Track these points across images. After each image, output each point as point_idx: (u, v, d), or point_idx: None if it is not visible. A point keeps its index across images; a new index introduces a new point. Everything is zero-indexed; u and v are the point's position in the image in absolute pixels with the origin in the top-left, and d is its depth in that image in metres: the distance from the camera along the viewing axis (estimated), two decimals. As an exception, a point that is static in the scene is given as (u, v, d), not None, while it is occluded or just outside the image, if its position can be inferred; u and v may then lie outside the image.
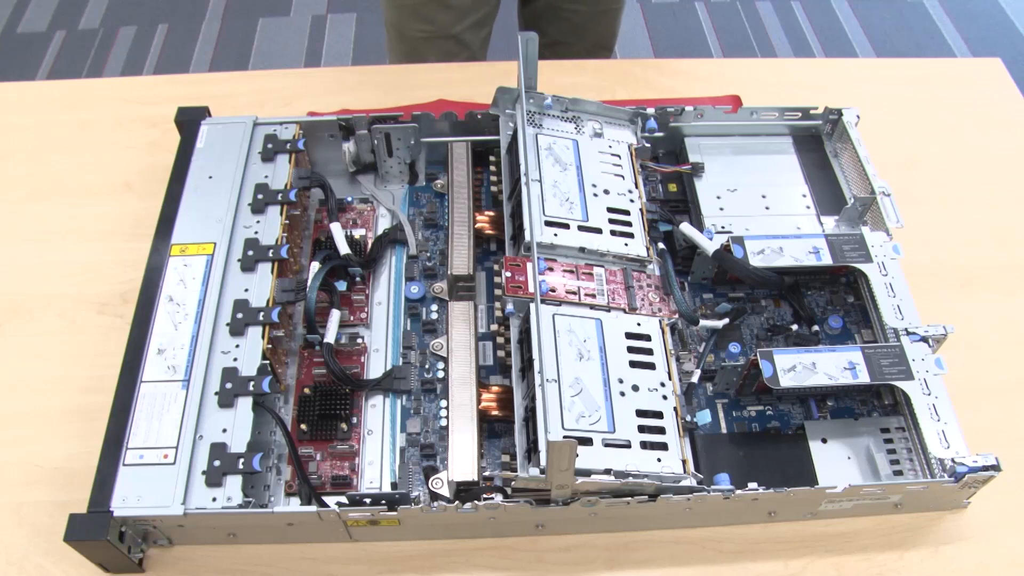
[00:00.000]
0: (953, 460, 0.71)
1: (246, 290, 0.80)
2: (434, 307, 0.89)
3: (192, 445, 0.71)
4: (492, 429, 0.80)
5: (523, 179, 0.81)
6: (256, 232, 0.84)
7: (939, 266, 0.95)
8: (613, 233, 0.84)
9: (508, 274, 0.78)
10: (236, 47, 2.29)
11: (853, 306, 0.89)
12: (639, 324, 0.78)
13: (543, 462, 0.64)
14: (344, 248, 0.87)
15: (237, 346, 0.76)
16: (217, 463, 0.70)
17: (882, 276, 0.82)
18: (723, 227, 0.87)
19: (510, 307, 0.77)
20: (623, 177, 0.89)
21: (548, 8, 1.34)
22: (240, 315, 0.78)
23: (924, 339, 0.78)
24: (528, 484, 0.67)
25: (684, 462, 0.70)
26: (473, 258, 0.86)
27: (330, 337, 0.81)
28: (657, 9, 2.43)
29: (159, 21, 2.36)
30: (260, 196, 0.86)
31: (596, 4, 1.33)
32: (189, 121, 0.93)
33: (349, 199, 0.97)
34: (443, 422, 0.80)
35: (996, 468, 0.71)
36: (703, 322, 0.83)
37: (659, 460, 0.69)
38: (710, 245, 0.84)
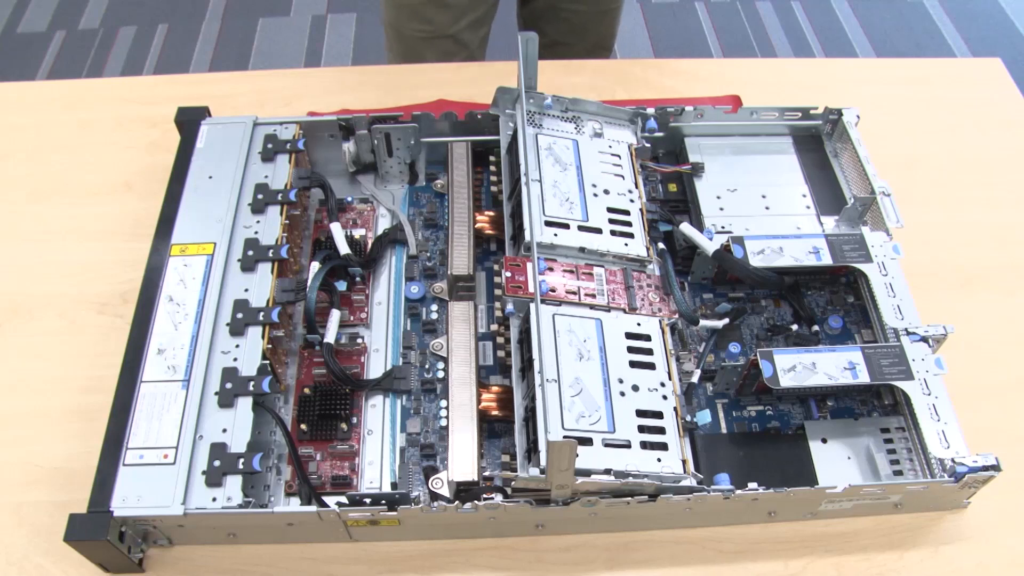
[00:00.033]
0: (953, 460, 0.71)
1: (246, 290, 0.80)
2: (434, 307, 0.89)
3: (192, 445, 0.71)
4: (492, 429, 0.80)
5: (523, 179, 0.81)
6: (256, 232, 0.84)
7: (939, 266, 0.95)
8: (613, 233, 0.84)
9: (508, 274, 0.78)
10: (236, 47, 2.29)
11: (853, 306, 0.89)
12: (639, 324, 0.78)
13: (543, 462, 0.64)
14: (344, 248, 0.87)
15: (237, 346, 0.76)
16: (217, 463, 0.70)
17: (882, 276, 0.82)
18: (723, 227, 0.87)
19: (510, 307, 0.77)
20: (623, 177, 0.89)
21: (547, 8, 1.34)
22: (240, 315, 0.78)
23: (924, 339, 0.78)
24: (528, 484, 0.67)
25: (684, 462, 0.70)
26: (473, 258, 0.86)
27: (330, 337, 0.81)
28: (657, 9, 2.43)
29: (159, 21, 2.36)
30: (260, 196, 0.86)
31: (595, 4, 1.33)
32: (189, 121, 0.93)
33: (349, 199, 0.97)
34: (443, 422, 0.80)
35: (996, 468, 0.71)
36: (703, 322, 0.83)
37: (659, 460, 0.69)
38: (710, 245, 0.84)
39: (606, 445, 0.69)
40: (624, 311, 0.79)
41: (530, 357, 0.73)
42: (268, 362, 0.76)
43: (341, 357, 0.84)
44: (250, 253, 0.82)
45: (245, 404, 0.73)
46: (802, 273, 0.89)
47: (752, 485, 0.70)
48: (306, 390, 0.81)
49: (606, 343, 0.75)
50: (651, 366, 0.75)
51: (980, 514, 0.78)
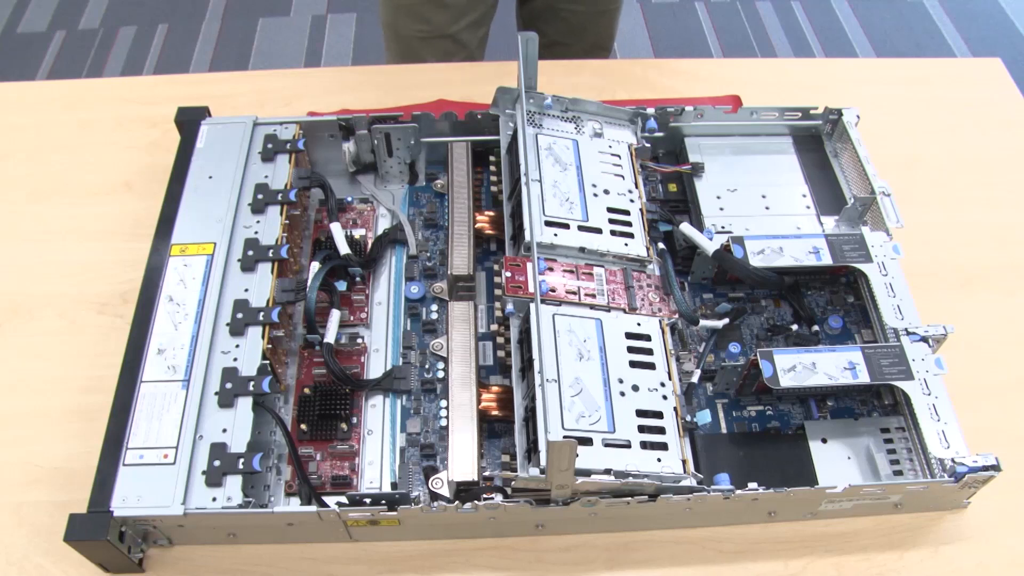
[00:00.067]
0: (953, 460, 0.71)
1: (246, 290, 0.80)
2: (434, 307, 0.89)
3: (192, 445, 0.71)
4: (492, 429, 0.80)
5: (523, 179, 0.81)
6: (256, 232, 0.84)
7: (939, 266, 0.95)
8: (613, 233, 0.84)
9: (508, 274, 0.78)
10: (236, 47, 2.29)
11: (853, 306, 0.89)
12: (639, 324, 0.78)
13: (543, 462, 0.64)
14: (344, 248, 0.87)
15: (237, 346, 0.76)
16: (217, 463, 0.70)
17: (882, 276, 0.82)
18: (723, 227, 0.87)
19: (510, 307, 0.77)
20: (623, 177, 0.89)
21: (546, 8, 1.34)
22: (240, 315, 0.78)
23: (924, 339, 0.78)
24: (528, 484, 0.67)
25: (684, 462, 0.70)
26: (473, 258, 0.86)
27: (330, 337, 0.81)
28: (657, 9, 2.43)
29: (159, 21, 2.36)
30: (260, 196, 0.86)
31: (594, 4, 1.33)
32: (189, 121, 0.93)
33: (349, 199, 0.97)
34: (443, 422, 0.80)
35: (996, 468, 0.71)
36: (703, 322, 0.83)
37: (659, 460, 0.69)
38: (710, 245, 0.84)
39: (606, 445, 0.69)
40: (624, 311, 0.79)
41: (530, 357, 0.73)
42: (268, 362, 0.76)
43: (341, 357, 0.84)
44: (250, 253, 0.82)
45: (245, 404, 0.73)
46: (802, 273, 0.89)
47: (752, 485, 0.70)
48: (306, 390, 0.81)
49: (606, 343, 0.75)
50: (651, 366, 0.75)
51: (980, 514, 0.78)
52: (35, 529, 0.76)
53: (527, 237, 0.79)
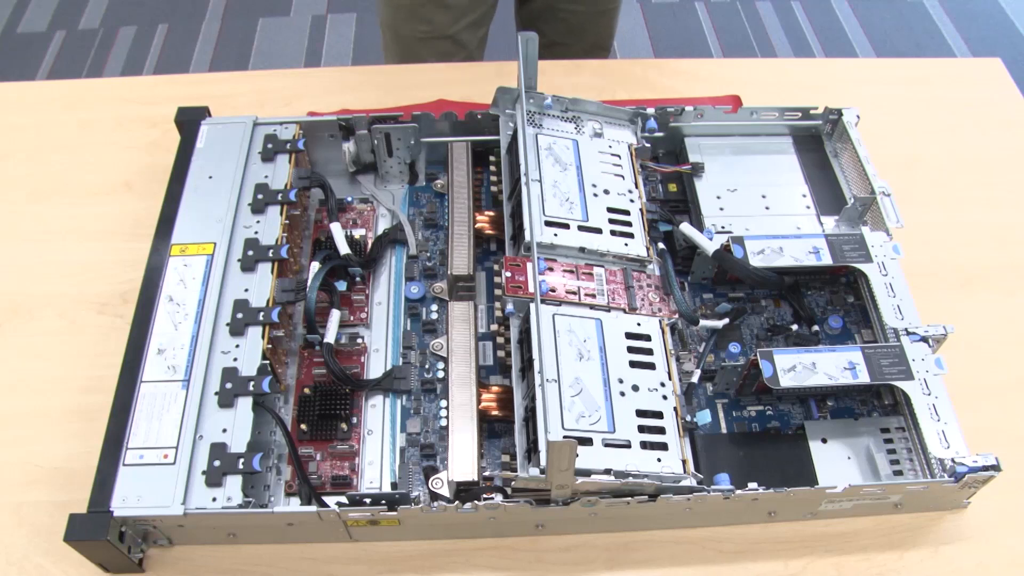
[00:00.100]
0: (953, 460, 0.71)
1: (246, 290, 0.80)
2: (434, 307, 0.89)
3: (192, 445, 0.71)
4: (492, 429, 0.80)
5: (523, 179, 0.81)
6: (256, 232, 0.84)
7: (939, 266, 0.95)
8: (613, 233, 0.84)
9: (508, 274, 0.78)
10: (236, 47, 2.29)
11: (853, 306, 0.89)
12: (639, 324, 0.78)
13: (543, 462, 0.64)
14: (344, 248, 0.87)
15: (237, 346, 0.76)
16: (217, 463, 0.70)
17: (882, 276, 0.82)
18: (723, 227, 0.87)
19: (510, 307, 0.77)
20: (623, 177, 0.89)
21: (546, 9, 1.34)
22: (240, 315, 0.78)
23: (924, 339, 0.78)
24: (528, 484, 0.67)
25: (684, 462, 0.70)
26: (473, 258, 0.86)
27: (330, 337, 0.81)
28: (657, 9, 2.43)
29: (159, 21, 2.36)
30: (260, 196, 0.86)
31: (593, 4, 1.33)
32: (189, 121, 0.93)
33: (349, 199, 0.97)
34: (443, 422, 0.80)
35: (996, 468, 0.71)
36: (703, 322, 0.83)
37: (659, 460, 0.69)
38: (710, 245, 0.84)
39: (606, 445, 0.69)
40: (624, 311, 0.79)
41: (530, 357, 0.73)
42: (268, 362, 0.76)
43: (341, 357, 0.84)
44: (250, 253, 0.82)
45: (245, 404, 0.73)
46: (802, 273, 0.89)
47: (752, 485, 0.70)
48: (306, 390, 0.81)
49: (606, 343, 0.75)
50: (651, 366, 0.75)
51: (980, 514, 0.78)
52: (35, 529, 0.76)
53: (527, 237, 0.79)
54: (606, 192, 0.86)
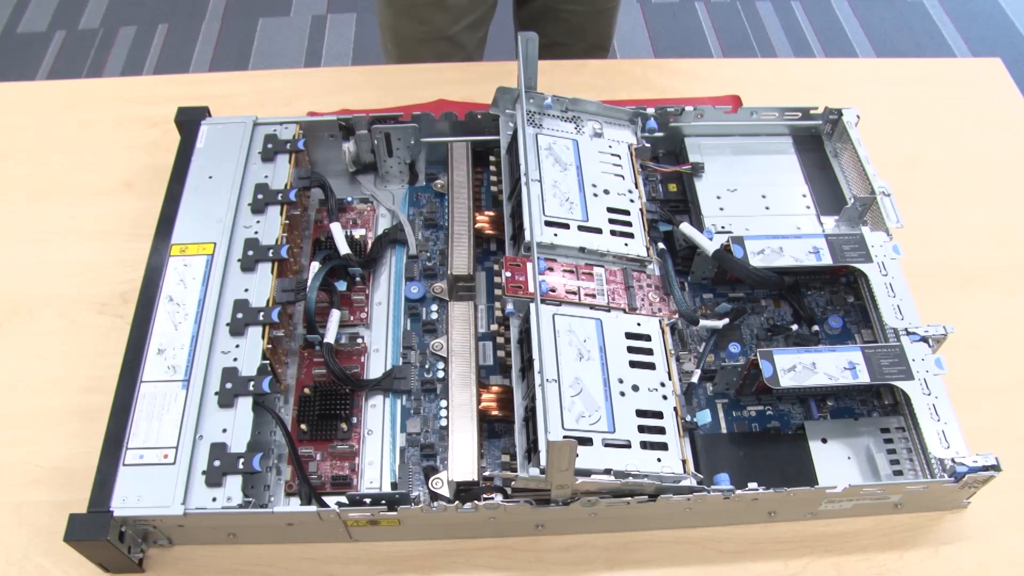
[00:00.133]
0: (953, 460, 0.71)
1: (246, 290, 0.80)
2: (434, 307, 0.89)
3: (192, 445, 0.71)
4: (492, 429, 0.80)
5: (523, 179, 0.81)
6: (256, 232, 0.84)
7: (939, 266, 0.95)
8: (613, 233, 0.84)
9: (508, 274, 0.78)
10: (236, 47, 2.29)
11: (853, 306, 0.89)
12: (639, 324, 0.78)
13: (543, 462, 0.64)
14: (344, 248, 0.87)
15: (237, 346, 0.76)
16: (217, 463, 0.70)
17: (882, 276, 0.82)
18: (723, 227, 0.87)
19: (510, 307, 0.77)
20: (623, 177, 0.89)
21: (544, 9, 1.34)
22: (240, 315, 0.78)
23: (924, 339, 0.78)
24: (528, 484, 0.67)
25: (684, 462, 0.70)
26: (473, 258, 0.86)
27: (330, 337, 0.81)
28: (657, 9, 2.43)
29: (159, 21, 2.36)
30: (260, 196, 0.86)
31: (592, 4, 1.33)
32: (189, 121, 0.93)
33: (349, 199, 0.97)
34: (443, 422, 0.80)
35: (996, 468, 0.71)
36: (703, 322, 0.83)
37: (659, 460, 0.69)
38: (710, 245, 0.84)
39: (606, 445, 0.69)
40: (624, 311, 0.79)
41: (530, 357, 0.73)
42: (268, 362, 0.76)
43: (341, 357, 0.84)
44: (250, 253, 0.82)
45: (245, 404, 0.73)
46: (802, 273, 0.89)
47: (752, 485, 0.70)
48: (306, 390, 0.81)
49: (606, 343, 0.75)
50: (651, 366, 0.75)
51: (980, 514, 0.78)
52: (35, 529, 0.76)
53: (527, 237, 0.79)
54: (606, 192, 0.86)
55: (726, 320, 0.84)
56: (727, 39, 2.33)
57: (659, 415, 0.72)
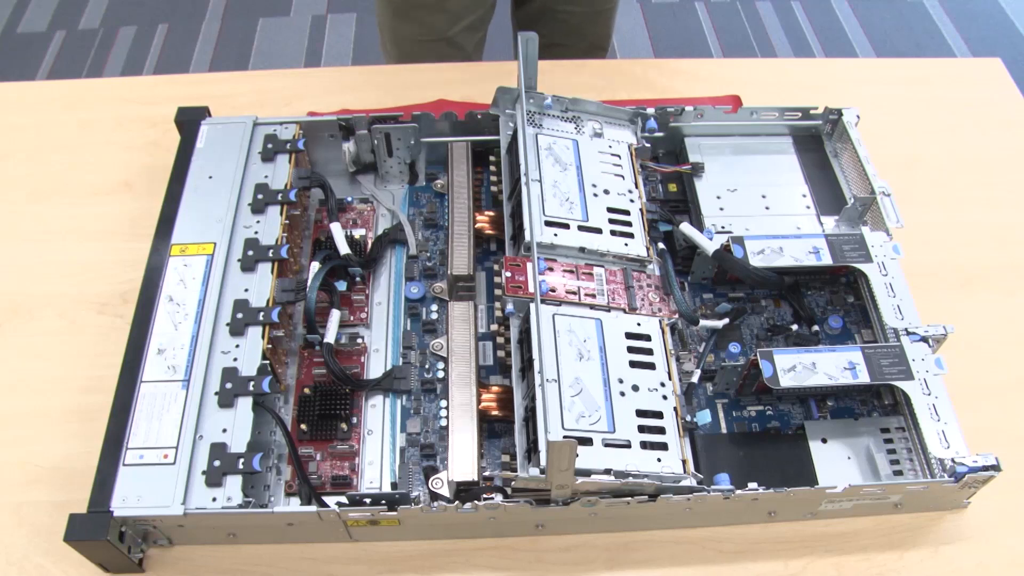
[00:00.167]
0: (953, 460, 0.71)
1: (246, 290, 0.80)
2: (434, 307, 0.89)
3: (192, 445, 0.71)
4: (492, 429, 0.80)
5: (523, 179, 0.81)
6: (256, 232, 0.84)
7: (939, 266, 0.95)
8: (613, 233, 0.84)
9: (508, 274, 0.78)
10: (236, 47, 2.29)
11: (853, 306, 0.89)
12: (639, 324, 0.78)
13: (543, 462, 0.64)
14: (344, 248, 0.87)
15: (237, 346, 0.76)
16: (217, 463, 0.70)
17: (882, 276, 0.82)
18: (723, 227, 0.87)
19: (510, 307, 0.77)
20: (623, 177, 0.89)
21: (543, 10, 1.34)
22: (240, 315, 0.78)
23: (924, 339, 0.78)
24: (528, 484, 0.67)
25: (684, 462, 0.70)
26: (473, 258, 0.86)
27: (330, 337, 0.81)
28: (657, 9, 2.43)
29: (159, 21, 2.36)
30: (260, 196, 0.86)
31: (590, 4, 1.33)
32: (189, 121, 0.93)
33: (349, 199, 0.97)
34: (443, 422, 0.80)
35: (996, 468, 0.71)
36: (703, 322, 0.83)
37: (659, 460, 0.69)
38: (710, 245, 0.84)
39: (606, 445, 0.69)
40: (624, 311, 0.79)
41: (530, 357, 0.73)
42: (268, 362, 0.76)
43: (341, 357, 0.84)
44: (250, 253, 0.82)
45: (245, 404, 0.73)
46: (802, 273, 0.89)
47: (752, 485, 0.70)
48: (306, 390, 0.81)
49: (606, 343, 0.75)
50: (651, 366, 0.75)
51: (980, 514, 0.78)
52: (35, 529, 0.76)
53: (527, 237, 0.79)
54: (606, 192, 0.86)
55: (726, 320, 0.84)
56: (727, 39, 2.33)
57: (659, 415, 0.72)
